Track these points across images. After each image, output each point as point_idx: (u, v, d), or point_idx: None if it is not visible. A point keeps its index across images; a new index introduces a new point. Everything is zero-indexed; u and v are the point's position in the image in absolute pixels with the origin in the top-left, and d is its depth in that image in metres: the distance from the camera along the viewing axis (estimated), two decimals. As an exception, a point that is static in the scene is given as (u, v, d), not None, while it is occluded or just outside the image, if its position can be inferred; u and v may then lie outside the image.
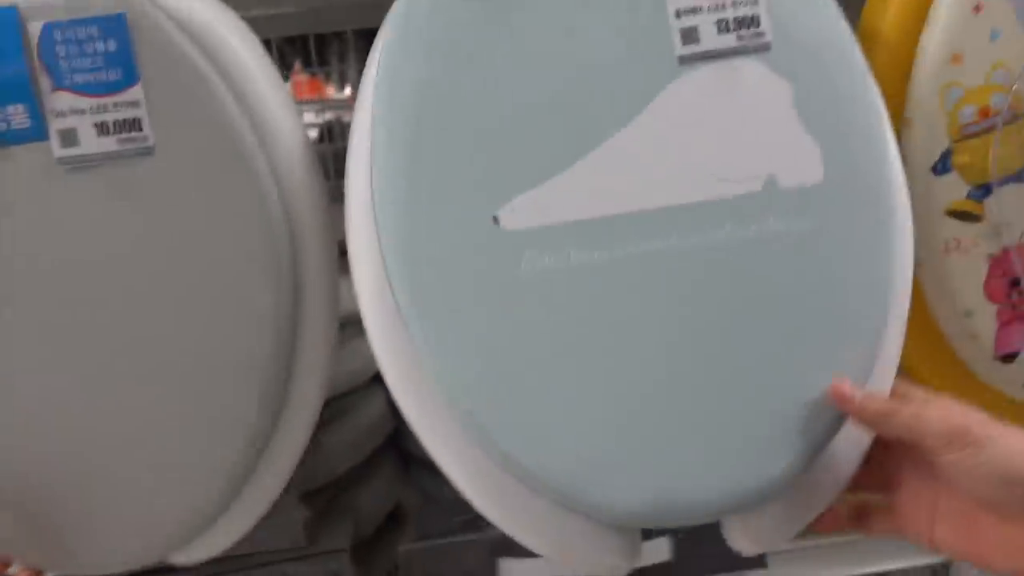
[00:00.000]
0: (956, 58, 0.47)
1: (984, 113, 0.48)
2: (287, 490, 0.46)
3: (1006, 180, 0.49)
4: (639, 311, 0.37)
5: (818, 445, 0.37)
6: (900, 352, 0.40)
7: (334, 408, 0.63)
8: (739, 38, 0.39)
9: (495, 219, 0.37)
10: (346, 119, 0.77)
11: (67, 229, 0.41)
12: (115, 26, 0.40)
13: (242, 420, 0.43)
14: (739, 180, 0.38)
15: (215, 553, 0.44)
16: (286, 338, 0.43)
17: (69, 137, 0.40)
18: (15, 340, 0.41)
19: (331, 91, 1.12)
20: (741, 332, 0.37)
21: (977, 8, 0.47)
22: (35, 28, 0.40)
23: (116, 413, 0.41)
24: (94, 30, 0.40)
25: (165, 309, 0.41)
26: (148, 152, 0.40)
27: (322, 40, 0.96)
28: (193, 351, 0.41)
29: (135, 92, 0.40)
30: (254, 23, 0.46)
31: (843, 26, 0.40)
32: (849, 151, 0.38)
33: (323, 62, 0.96)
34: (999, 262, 0.50)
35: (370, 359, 0.64)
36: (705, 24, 0.39)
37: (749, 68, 0.39)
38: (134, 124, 0.40)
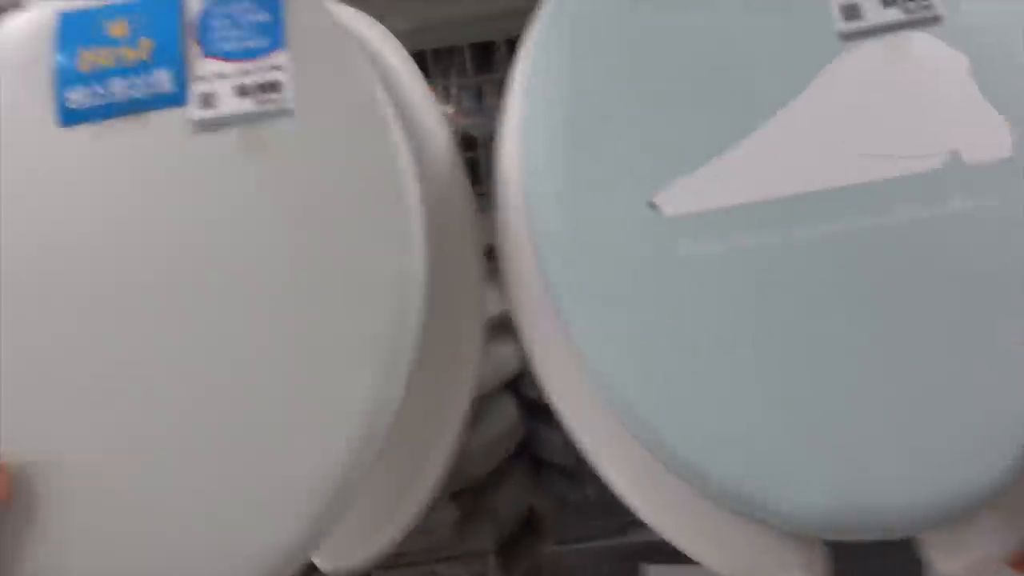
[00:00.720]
0: None
1: None
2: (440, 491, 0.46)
3: None
4: (813, 298, 0.34)
5: None
6: None
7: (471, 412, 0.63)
8: (906, 11, 0.37)
9: (652, 205, 0.35)
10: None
11: (199, 189, 0.40)
12: (270, 1, 0.41)
13: (373, 398, 0.38)
14: (917, 157, 0.35)
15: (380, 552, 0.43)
16: (417, 314, 0.39)
17: (207, 100, 0.40)
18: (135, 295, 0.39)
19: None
20: (933, 318, 0.33)
21: None
22: (196, 4, 0.42)
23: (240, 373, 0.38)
24: (249, 3, 0.41)
25: (293, 274, 0.39)
26: (287, 114, 0.40)
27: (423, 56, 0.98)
28: (318, 321, 0.38)
29: (279, 57, 0.41)
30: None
31: None
32: None
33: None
34: None
35: (502, 364, 0.65)
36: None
37: (919, 41, 0.36)
38: (274, 87, 0.40)
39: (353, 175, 0.39)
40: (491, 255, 0.43)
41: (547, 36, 0.39)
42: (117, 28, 0.42)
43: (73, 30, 0.42)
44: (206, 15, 0.41)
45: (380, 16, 0.54)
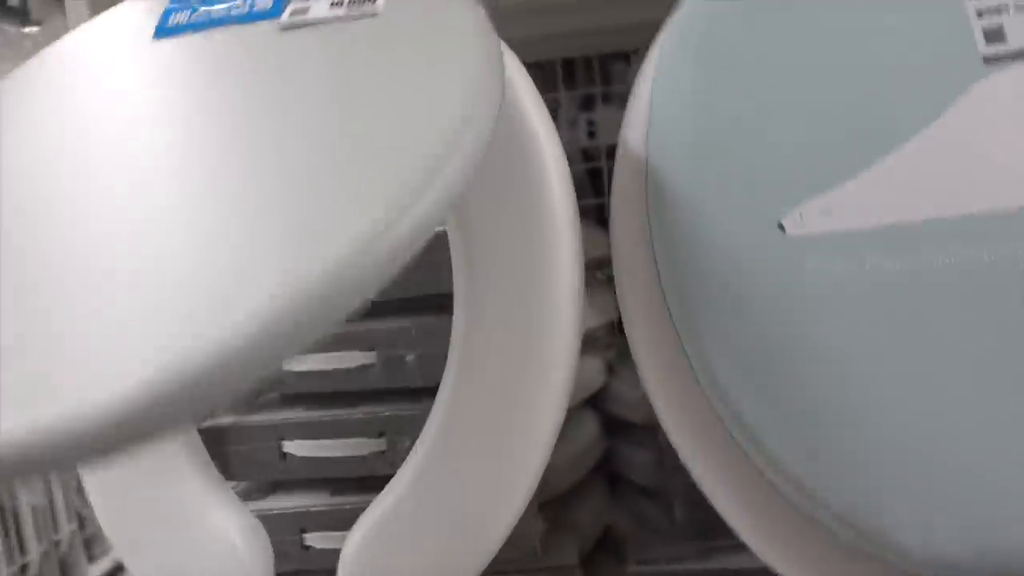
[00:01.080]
0: None
1: None
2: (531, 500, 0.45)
3: None
4: (947, 326, 0.32)
5: None
6: None
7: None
8: (1055, 36, 0.36)
9: (780, 226, 0.34)
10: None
11: (286, 77, 0.38)
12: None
13: None
14: None
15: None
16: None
17: (301, 11, 0.40)
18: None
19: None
20: None
21: None
22: None
23: None
24: None
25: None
26: (372, 15, 0.38)
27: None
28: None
29: None
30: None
31: None
32: None
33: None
34: None
35: (587, 379, 0.63)
36: (1012, 22, 0.36)
37: None
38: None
39: (427, 69, 0.35)
40: (593, 268, 0.43)
41: (674, 48, 0.39)
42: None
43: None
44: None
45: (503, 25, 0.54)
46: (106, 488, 0.45)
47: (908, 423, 0.32)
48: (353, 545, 0.41)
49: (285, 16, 0.40)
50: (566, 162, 0.45)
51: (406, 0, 0.39)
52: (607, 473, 0.65)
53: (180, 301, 0.25)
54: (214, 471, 0.46)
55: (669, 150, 0.37)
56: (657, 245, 0.36)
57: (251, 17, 0.41)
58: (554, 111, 0.70)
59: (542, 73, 0.80)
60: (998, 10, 0.36)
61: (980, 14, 0.36)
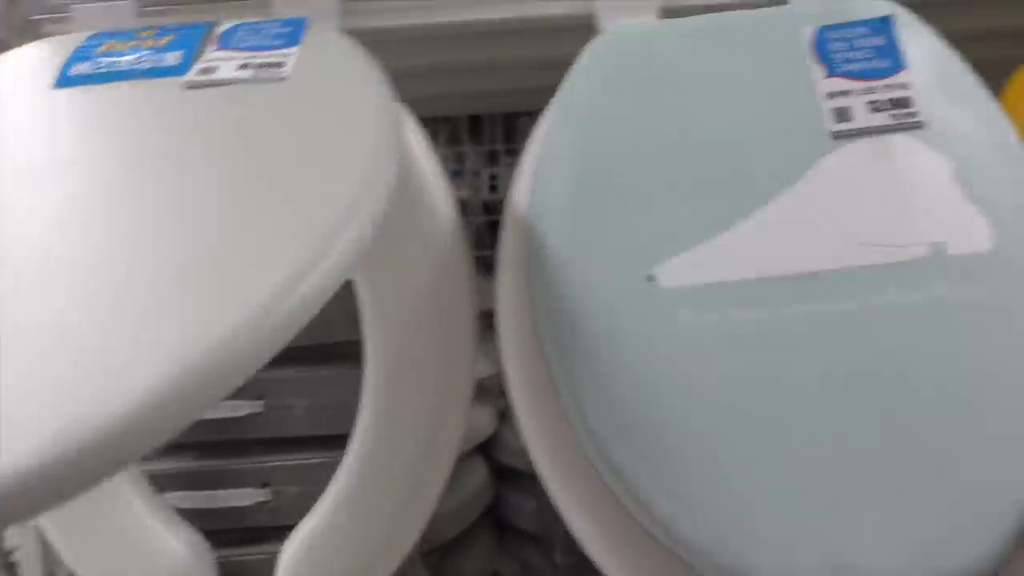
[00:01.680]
0: None
1: None
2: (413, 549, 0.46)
3: None
4: (804, 372, 0.35)
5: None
6: None
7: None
8: (892, 117, 0.39)
9: (650, 278, 0.36)
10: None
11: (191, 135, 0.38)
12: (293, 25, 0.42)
13: None
14: (903, 246, 0.36)
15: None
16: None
17: (207, 71, 0.40)
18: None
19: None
20: (919, 401, 0.34)
21: None
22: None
23: None
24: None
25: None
26: (279, 80, 0.39)
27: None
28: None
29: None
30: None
31: (996, 107, 0.40)
32: (1020, 224, 0.37)
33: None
34: None
35: (477, 427, 0.64)
36: (856, 105, 0.40)
37: (904, 143, 0.39)
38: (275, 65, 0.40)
39: (333, 131, 0.36)
40: (488, 318, 0.44)
41: (559, 115, 0.41)
42: (147, 33, 0.43)
43: (107, 35, 0.43)
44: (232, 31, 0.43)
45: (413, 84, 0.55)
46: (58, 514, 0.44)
47: (765, 464, 0.34)
48: None
49: (191, 74, 0.40)
50: (458, 217, 0.46)
51: (313, 67, 0.40)
52: (495, 520, 0.66)
53: (74, 368, 0.25)
54: (156, 496, 0.46)
55: (549, 209, 0.39)
56: (536, 298, 0.37)
57: (157, 72, 0.41)
58: (460, 164, 0.72)
59: (449, 127, 0.81)
60: (844, 94, 0.40)
61: (830, 96, 0.40)
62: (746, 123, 0.40)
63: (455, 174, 0.95)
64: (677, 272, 0.36)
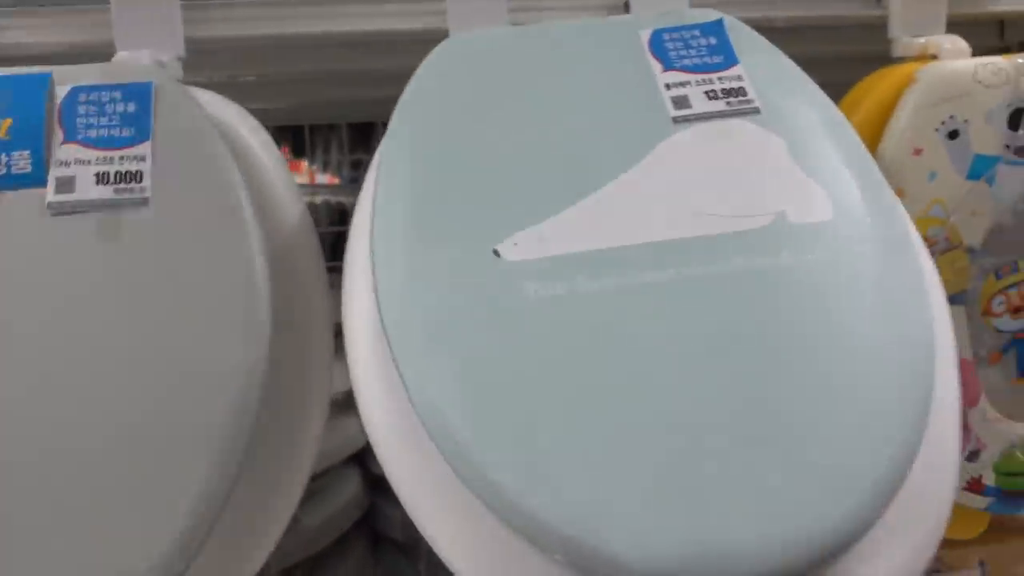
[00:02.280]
0: (900, 192, 0.51)
1: (925, 242, 0.51)
2: (267, 567, 0.45)
3: None
4: (655, 339, 0.35)
5: (885, 484, 0.32)
6: (959, 398, 0.37)
7: (312, 486, 0.62)
8: (728, 104, 0.42)
9: (496, 252, 0.36)
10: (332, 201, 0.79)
11: (52, 271, 0.39)
12: (140, 92, 0.42)
13: (202, 490, 0.38)
14: (747, 216, 0.38)
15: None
16: (255, 405, 0.39)
17: (66, 184, 0.40)
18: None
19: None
20: (773, 361, 0.34)
21: (917, 152, 0.51)
22: (63, 90, 0.42)
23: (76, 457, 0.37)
24: (118, 94, 0.42)
25: (138, 361, 0.38)
26: (143, 203, 0.40)
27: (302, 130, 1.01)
28: (158, 409, 0.38)
29: (142, 148, 0.41)
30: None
31: (822, 94, 0.43)
32: (855, 194, 0.39)
33: (301, 151, 1.00)
34: None
35: (349, 438, 0.64)
36: (694, 93, 0.42)
37: (742, 126, 0.41)
38: (135, 176, 0.40)
39: (204, 269, 0.39)
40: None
41: (403, 112, 0.41)
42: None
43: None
44: (73, 99, 0.42)
45: (256, 94, 0.56)
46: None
47: (619, 438, 0.32)
48: None
49: (50, 192, 0.40)
50: (312, 230, 0.47)
51: (172, 181, 0.41)
52: (369, 530, 0.64)
53: None
54: None
55: (390, 200, 0.38)
56: (377, 286, 0.36)
57: (12, 182, 0.40)
58: (356, 172, 0.73)
59: (323, 137, 0.82)
60: (682, 84, 0.42)
61: (668, 87, 0.42)
62: (589, 113, 0.41)
63: (351, 181, 0.96)
64: (523, 246, 0.36)
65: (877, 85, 0.54)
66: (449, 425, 0.32)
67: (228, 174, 0.41)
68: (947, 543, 0.61)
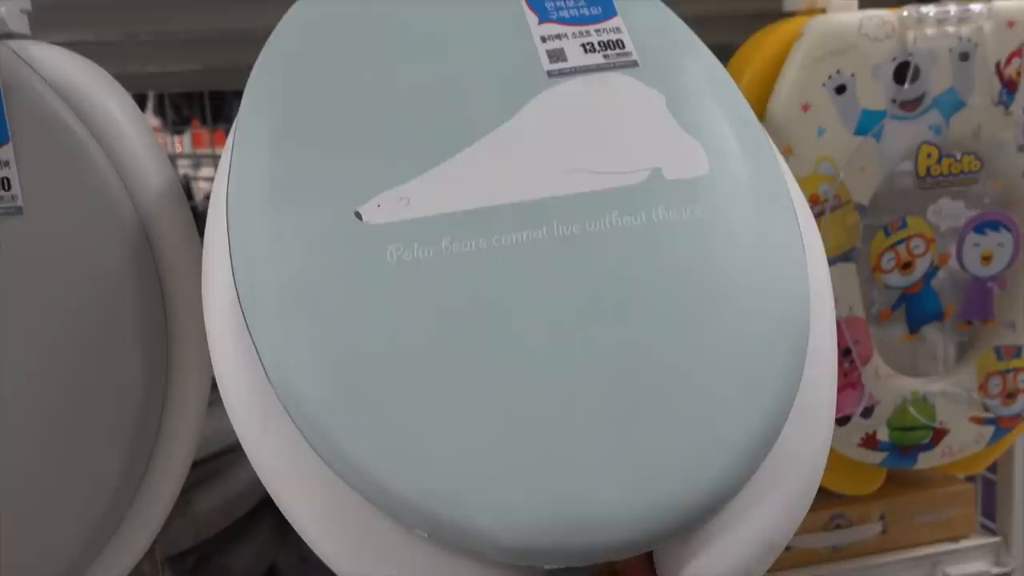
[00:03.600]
0: (788, 150, 0.50)
1: (814, 200, 0.51)
2: (151, 553, 0.43)
3: (834, 260, 0.52)
4: (525, 299, 0.33)
5: (757, 442, 0.31)
6: (835, 353, 0.36)
7: (207, 469, 0.59)
8: (605, 57, 0.40)
9: (357, 215, 0.34)
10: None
11: None
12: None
13: (103, 482, 0.40)
14: (622, 172, 0.36)
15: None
16: (153, 395, 0.41)
17: None
18: None
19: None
20: (645, 319, 0.32)
21: (805, 107, 0.50)
22: None
23: None
24: None
25: (30, 366, 0.39)
26: (17, 212, 0.39)
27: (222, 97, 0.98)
28: (53, 408, 0.39)
29: (5, 152, 0.39)
30: (150, 78, 0.46)
31: (702, 46, 0.41)
32: (733, 150, 0.37)
33: (221, 118, 0.97)
34: None
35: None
36: (570, 46, 0.40)
37: (619, 79, 0.39)
38: (3, 184, 0.39)
39: (86, 271, 0.40)
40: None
41: (260, 80, 0.37)
42: None
43: None
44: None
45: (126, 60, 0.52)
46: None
47: (482, 402, 0.30)
48: None
49: None
50: (182, 195, 0.44)
51: (41, 186, 0.40)
52: (278, 513, 0.62)
53: None
54: None
55: (248, 162, 0.35)
56: (233, 252, 0.33)
57: None
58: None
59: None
60: (558, 37, 0.40)
61: (544, 40, 0.40)
62: (460, 68, 0.38)
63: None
64: (387, 208, 0.34)
65: (766, 40, 0.52)
66: (305, 398, 0.30)
67: (95, 175, 0.41)
68: (848, 499, 0.63)
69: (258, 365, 0.31)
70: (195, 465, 0.56)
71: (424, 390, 0.30)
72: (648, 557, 0.32)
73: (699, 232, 0.35)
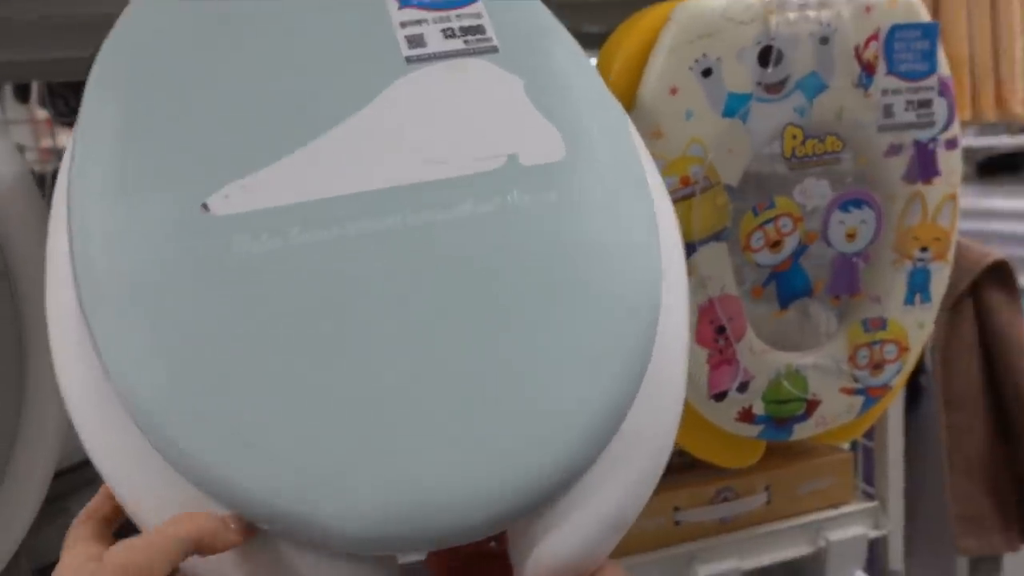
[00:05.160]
0: (658, 132, 0.51)
1: (684, 181, 0.52)
2: (16, 561, 0.41)
3: (706, 240, 0.53)
4: (373, 292, 0.32)
5: (601, 422, 0.31)
6: (687, 334, 0.37)
7: (85, 475, 0.57)
8: (465, 42, 0.39)
9: (204, 206, 0.32)
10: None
11: None
12: None
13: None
14: (477, 159, 0.36)
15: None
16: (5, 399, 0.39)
17: None
18: None
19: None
20: (492, 306, 0.33)
21: (673, 91, 0.51)
22: None
23: None
24: None
25: None
26: None
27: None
28: None
29: None
30: (33, 67, 0.43)
31: (566, 33, 0.41)
32: (591, 135, 0.37)
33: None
34: (706, 311, 0.54)
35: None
36: (430, 32, 0.40)
37: (478, 65, 0.38)
38: None
39: None
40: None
41: (104, 67, 0.36)
42: None
43: None
44: None
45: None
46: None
47: (320, 395, 0.30)
48: None
49: None
50: (31, 185, 0.42)
51: None
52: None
53: None
54: None
55: (92, 150, 0.34)
56: (73, 242, 0.32)
57: None
58: None
59: None
60: (418, 22, 0.39)
61: (403, 25, 0.39)
62: (316, 54, 0.37)
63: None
64: (235, 199, 0.33)
65: (637, 26, 0.53)
66: (142, 394, 0.29)
67: None
68: (733, 472, 0.64)
69: (97, 360, 0.30)
70: (72, 471, 0.54)
71: (264, 383, 0.30)
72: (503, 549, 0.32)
73: (552, 217, 0.35)
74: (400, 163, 0.35)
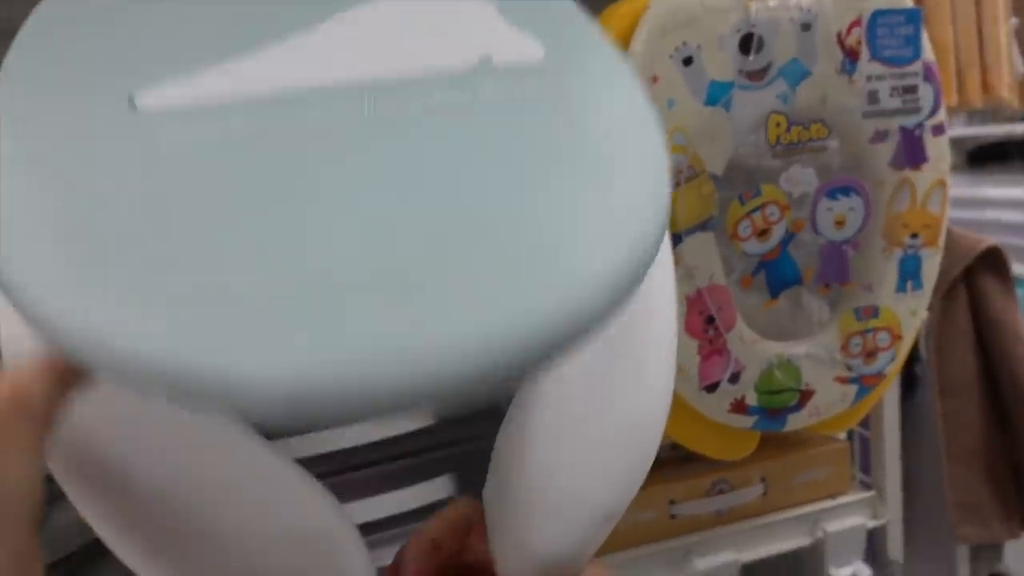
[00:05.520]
0: None
1: None
2: None
3: (692, 230, 0.52)
4: (328, 183, 0.28)
5: (619, 275, 0.25)
6: (676, 320, 0.35)
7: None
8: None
9: (131, 100, 0.30)
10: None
11: None
12: None
13: None
14: (449, 58, 0.33)
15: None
16: None
17: None
18: None
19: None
20: (469, 196, 0.28)
21: (654, 79, 0.51)
22: None
23: None
24: None
25: None
26: None
27: None
28: None
29: None
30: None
31: None
32: (568, 43, 0.35)
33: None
34: (694, 302, 0.53)
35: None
36: None
37: None
38: None
39: None
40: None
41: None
42: None
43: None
44: None
45: None
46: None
47: (260, 240, 0.25)
48: None
49: None
50: None
51: None
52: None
53: None
54: None
55: (20, 53, 0.31)
56: None
57: None
58: None
59: None
60: None
61: None
62: None
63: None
64: (170, 93, 0.30)
65: (614, 15, 0.52)
66: (30, 280, 0.24)
67: None
68: (729, 464, 0.64)
69: None
70: (52, 479, 0.53)
71: (174, 244, 0.25)
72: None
73: (527, 110, 0.32)
74: (363, 59, 0.32)
